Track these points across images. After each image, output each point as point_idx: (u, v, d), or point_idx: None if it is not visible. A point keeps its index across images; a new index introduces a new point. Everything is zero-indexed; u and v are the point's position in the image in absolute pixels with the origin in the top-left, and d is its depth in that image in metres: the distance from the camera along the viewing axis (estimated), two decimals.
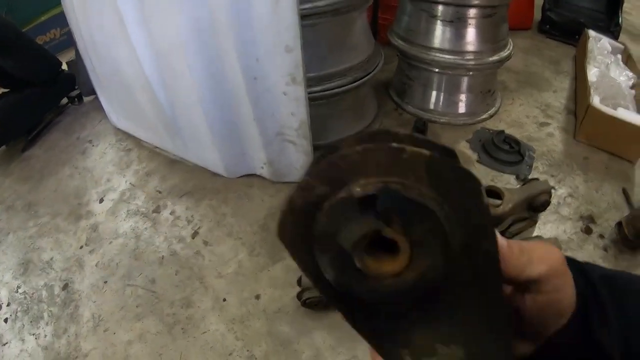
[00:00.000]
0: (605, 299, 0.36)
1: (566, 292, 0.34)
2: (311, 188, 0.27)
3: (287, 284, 1.27)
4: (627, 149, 1.82)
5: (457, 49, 1.76)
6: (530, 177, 1.69)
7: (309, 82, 1.46)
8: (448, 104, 1.95)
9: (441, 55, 1.78)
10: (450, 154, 0.31)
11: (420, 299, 0.29)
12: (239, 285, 1.30)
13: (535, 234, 1.52)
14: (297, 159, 1.51)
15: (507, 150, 1.73)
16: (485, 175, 1.72)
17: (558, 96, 2.17)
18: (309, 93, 1.45)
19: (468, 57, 1.76)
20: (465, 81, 1.88)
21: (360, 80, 1.56)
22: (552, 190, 1.58)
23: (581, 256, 1.41)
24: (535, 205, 1.46)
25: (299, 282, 1.18)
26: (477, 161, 1.76)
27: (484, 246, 0.29)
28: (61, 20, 2.19)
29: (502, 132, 1.81)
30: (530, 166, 1.73)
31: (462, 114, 1.96)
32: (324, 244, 0.27)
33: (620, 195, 1.67)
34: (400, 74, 2.03)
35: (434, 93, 1.93)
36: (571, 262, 0.36)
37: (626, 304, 0.36)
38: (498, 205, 1.38)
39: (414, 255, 0.27)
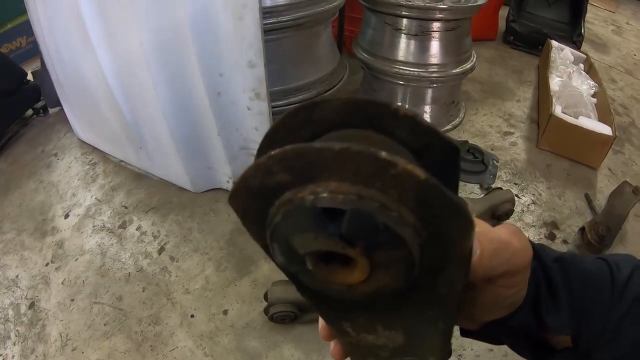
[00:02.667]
0: (558, 282, 0.37)
1: (523, 285, 0.35)
2: (271, 173, 0.23)
3: (254, 299, 1.27)
4: (589, 155, 1.87)
5: (421, 62, 1.79)
6: (494, 186, 1.72)
7: (273, 96, 1.47)
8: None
9: (405, 68, 1.81)
10: (453, 153, 0.29)
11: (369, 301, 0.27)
12: (206, 301, 1.29)
13: None
14: None
15: (470, 160, 1.76)
16: None
17: (521, 105, 2.22)
18: (274, 107, 1.46)
19: (432, 70, 1.79)
20: (429, 93, 1.91)
21: (325, 94, 1.57)
22: (516, 199, 1.61)
23: None
24: (498, 214, 1.49)
25: (266, 296, 1.18)
26: None
27: (453, 274, 0.26)
28: (27, 28, 2.14)
29: (466, 142, 1.84)
30: (494, 175, 1.76)
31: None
32: (275, 234, 0.24)
33: (582, 201, 1.72)
34: (365, 85, 2.05)
35: (398, 105, 1.93)
36: None
37: (576, 286, 0.37)
38: None
39: (372, 273, 0.24)
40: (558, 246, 1.57)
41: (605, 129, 1.80)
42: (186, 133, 1.45)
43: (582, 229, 1.52)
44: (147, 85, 1.33)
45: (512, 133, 2.01)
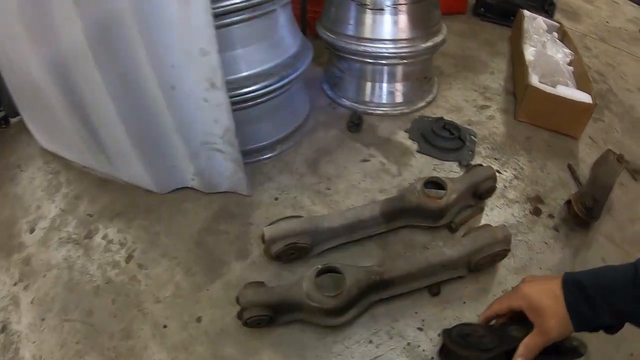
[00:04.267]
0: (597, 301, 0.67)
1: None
2: None
3: (227, 303, 1.18)
4: (569, 125, 1.82)
5: (389, 38, 1.72)
6: (473, 162, 1.65)
7: (232, 85, 1.37)
8: (384, 94, 1.90)
9: (373, 45, 1.72)
10: None
11: None
12: (178, 309, 1.19)
13: (482, 221, 1.48)
14: (226, 168, 1.41)
15: (447, 137, 1.69)
16: (427, 165, 1.66)
17: (496, 78, 2.15)
18: (233, 96, 1.36)
19: (401, 45, 1.71)
20: (399, 70, 1.83)
21: (288, 79, 1.47)
22: (497, 174, 1.53)
23: (532, 239, 1.40)
24: (480, 192, 1.41)
25: (238, 300, 1.09)
26: (418, 151, 1.71)
27: None
28: None
29: (441, 118, 1.76)
30: (473, 151, 1.69)
31: (399, 103, 1.91)
32: None
33: (565, 172, 1.66)
34: (332, 67, 1.95)
35: (368, 84, 1.88)
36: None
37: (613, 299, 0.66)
38: (441, 197, 1.32)
39: None
40: (544, 221, 1.50)
41: (584, 97, 1.74)
42: (143, 132, 1.34)
43: (568, 202, 1.46)
44: (96, 83, 1.21)
45: (489, 106, 1.93)
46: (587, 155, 1.77)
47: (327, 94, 1.99)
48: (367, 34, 1.73)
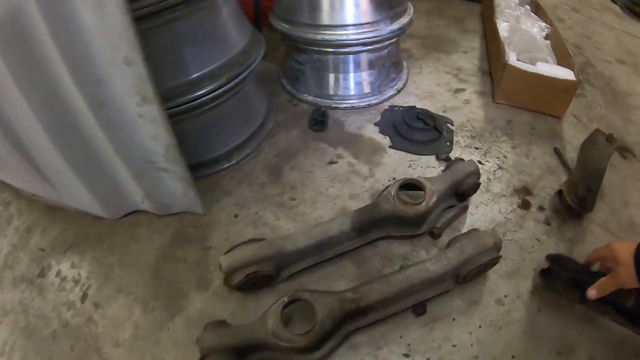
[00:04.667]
0: None
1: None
2: None
3: (190, 342, 1.04)
4: (552, 104, 1.68)
5: (350, 23, 1.53)
6: (451, 154, 1.51)
7: (175, 93, 1.20)
8: (349, 86, 1.72)
9: (332, 32, 1.54)
10: None
11: None
12: (139, 352, 1.06)
13: (467, 220, 1.35)
14: (175, 187, 1.25)
15: (421, 129, 1.54)
16: (401, 162, 1.50)
17: (469, 57, 1.98)
18: (177, 105, 1.20)
19: (363, 30, 1.53)
20: (364, 57, 1.66)
21: (238, 78, 1.28)
22: (480, 166, 1.39)
23: (523, 236, 1.28)
24: (462, 191, 1.25)
25: (198, 344, 0.92)
26: (390, 146, 1.54)
27: None
28: None
29: (413, 107, 1.60)
30: (451, 141, 1.53)
31: (366, 94, 1.74)
32: None
33: (552, 157, 1.52)
34: (290, 59, 1.77)
35: (331, 76, 1.70)
36: None
37: None
38: (419, 203, 1.16)
39: None
40: (534, 214, 1.36)
41: (567, 74, 1.59)
42: (81, 156, 1.16)
43: (559, 192, 1.32)
44: (21, 107, 1.02)
45: (464, 89, 1.77)
46: (573, 135, 1.63)
47: (287, 89, 1.80)
48: (325, 20, 1.55)
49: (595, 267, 1.05)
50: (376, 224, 1.21)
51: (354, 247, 1.18)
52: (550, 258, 1.11)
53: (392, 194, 1.18)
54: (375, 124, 1.60)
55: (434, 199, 1.18)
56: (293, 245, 1.09)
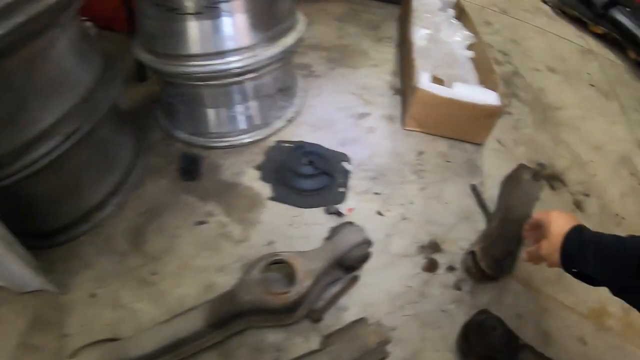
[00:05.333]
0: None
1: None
2: None
3: None
4: (472, 131, 1.43)
5: (220, 50, 1.20)
6: (344, 203, 1.24)
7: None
8: (228, 121, 1.38)
9: (201, 63, 1.21)
10: None
11: None
12: None
13: (357, 294, 1.07)
14: (18, 268, 0.95)
15: (308, 175, 1.24)
16: (283, 218, 1.20)
17: (380, 71, 1.68)
18: (8, 176, 0.89)
19: (234, 59, 1.21)
20: (243, 88, 1.33)
21: (83, 130, 0.92)
22: (379, 218, 1.18)
23: (426, 309, 1.06)
24: (348, 265, 0.94)
25: None
26: (270, 198, 1.22)
27: None
28: None
29: (301, 146, 1.26)
30: (345, 187, 1.22)
31: (247, 129, 1.41)
32: None
33: (469, 197, 1.26)
34: (162, 92, 1.41)
35: (208, 111, 1.36)
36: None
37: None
38: (288, 292, 0.89)
39: None
40: (442, 278, 1.11)
41: (489, 97, 1.34)
42: None
43: (472, 254, 1.02)
44: None
45: (369, 114, 1.46)
46: (495, 166, 1.37)
47: (161, 125, 1.42)
48: (192, 49, 1.20)
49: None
50: (237, 318, 0.93)
51: (215, 341, 0.94)
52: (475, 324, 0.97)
53: (254, 281, 0.90)
54: (257, 168, 1.26)
55: (308, 282, 0.88)
56: (137, 350, 0.86)
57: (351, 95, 1.56)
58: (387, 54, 1.80)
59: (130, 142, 1.30)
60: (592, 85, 1.94)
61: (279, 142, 1.37)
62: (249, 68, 1.23)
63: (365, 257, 1.00)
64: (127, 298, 1.04)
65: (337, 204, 1.19)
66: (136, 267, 1.10)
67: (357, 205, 1.20)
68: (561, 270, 0.84)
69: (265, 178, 1.25)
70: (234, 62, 1.21)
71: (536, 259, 0.87)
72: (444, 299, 1.05)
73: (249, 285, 0.90)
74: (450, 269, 1.09)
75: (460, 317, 1.03)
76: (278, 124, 1.42)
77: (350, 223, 1.04)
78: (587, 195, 1.43)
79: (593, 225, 1.27)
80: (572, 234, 0.79)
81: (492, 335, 0.93)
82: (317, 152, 1.27)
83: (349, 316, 1.00)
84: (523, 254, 0.91)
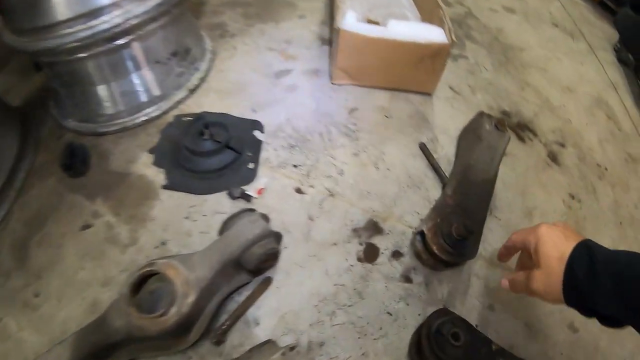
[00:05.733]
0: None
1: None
2: None
3: None
4: (416, 78, 1.14)
5: (90, 9, 0.90)
6: (254, 183, 0.94)
7: None
8: (117, 99, 1.06)
9: (70, 30, 0.89)
10: None
11: None
12: None
13: (272, 301, 0.79)
14: None
15: (208, 151, 0.94)
16: (178, 211, 0.91)
17: (307, 22, 1.37)
18: None
19: (102, 20, 0.90)
20: (129, 55, 1.01)
21: None
22: (299, 197, 0.89)
23: (364, 314, 0.80)
24: (252, 267, 0.72)
25: None
26: (164, 187, 0.92)
27: None
28: None
29: (200, 118, 0.96)
30: (256, 162, 0.92)
31: (139, 105, 1.08)
32: None
33: (418, 160, 0.96)
34: (47, 78, 1.10)
35: (93, 91, 1.04)
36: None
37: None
38: (164, 313, 0.62)
39: None
40: (385, 268, 0.84)
41: (433, 34, 1.07)
42: None
43: (421, 235, 0.78)
44: None
45: (290, 71, 1.14)
46: (449, 119, 1.12)
47: (53, 115, 1.11)
48: (57, 14, 0.89)
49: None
50: (112, 349, 0.66)
51: None
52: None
53: (125, 300, 0.62)
54: (151, 151, 0.93)
55: (192, 297, 0.61)
56: None
57: (271, 52, 1.24)
58: (317, 2, 1.47)
59: (15, 141, 0.98)
60: (556, 25, 1.68)
61: (178, 116, 1.04)
62: (123, 28, 0.93)
63: (269, 256, 0.72)
64: (13, 327, 0.79)
65: (245, 184, 0.87)
66: (20, 288, 0.83)
67: (270, 183, 0.87)
68: None
69: (159, 162, 0.94)
70: (101, 24, 0.91)
71: (524, 291, 0.64)
72: (389, 296, 0.77)
73: (119, 308, 0.60)
74: (396, 255, 0.80)
75: (412, 319, 0.77)
76: (178, 95, 1.11)
77: (247, 211, 0.74)
78: (562, 145, 1.15)
79: (573, 180, 1.00)
80: (578, 256, 0.56)
81: (452, 345, 0.67)
82: (221, 123, 0.96)
83: (262, 332, 0.74)
84: (502, 280, 0.68)
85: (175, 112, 1.07)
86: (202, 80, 1.16)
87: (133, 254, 0.83)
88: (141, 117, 1.07)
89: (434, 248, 0.73)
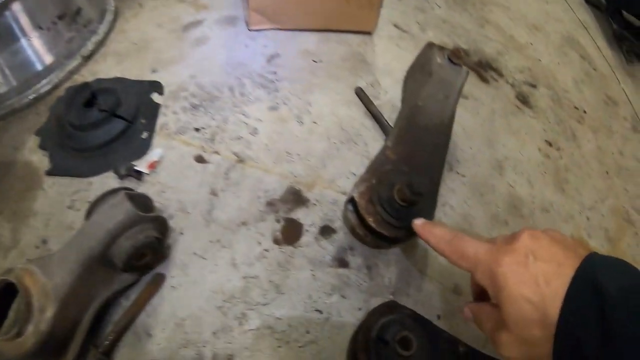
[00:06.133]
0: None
1: None
2: None
3: None
4: (348, 14, 0.93)
5: None
6: (150, 153, 0.73)
7: None
8: (6, 73, 0.82)
9: None
10: None
11: None
12: None
13: (168, 304, 0.58)
14: None
15: (92, 123, 0.74)
16: (61, 200, 0.70)
17: None
18: None
19: None
20: (6, 19, 0.79)
21: None
22: (201, 167, 0.69)
23: (282, 313, 0.59)
24: (122, 264, 0.51)
25: None
26: (48, 173, 0.72)
27: None
28: None
29: (85, 86, 0.75)
30: (151, 130, 0.70)
31: (30, 81, 0.86)
32: None
33: (353, 108, 0.81)
34: None
35: None
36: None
37: None
38: (18, 334, 0.43)
39: None
40: (310, 251, 0.64)
41: None
42: None
43: (353, 203, 0.54)
44: None
45: (200, 21, 0.92)
46: (393, 60, 0.92)
47: None
48: None
49: None
50: None
51: None
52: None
53: None
54: (37, 133, 0.71)
55: (50, 311, 0.44)
56: None
57: (181, 4, 0.99)
58: None
59: None
60: None
61: (69, 88, 0.81)
62: None
63: (146, 249, 0.48)
64: None
65: (138, 157, 0.65)
66: None
67: (166, 153, 0.63)
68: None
69: (44, 145, 0.71)
70: None
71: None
72: (317, 288, 0.55)
73: None
74: (326, 232, 0.58)
75: (351, 316, 0.58)
76: (71, 64, 0.89)
77: (113, 192, 0.51)
78: (533, 85, 0.94)
79: (549, 125, 0.79)
80: (577, 309, 0.32)
81: (401, 357, 0.47)
82: (110, 89, 0.75)
83: (155, 346, 0.55)
84: (465, 309, 0.45)
85: (69, 84, 0.83)
86: (101, 44, 0.94)
87: (15, 257, 0.64)
88: (30, 95, 0.86)
89: (369, 220, 0.51)
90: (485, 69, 0.95)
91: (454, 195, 0.70)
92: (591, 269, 0.33)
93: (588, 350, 0.31)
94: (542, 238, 0.37)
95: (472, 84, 0.88)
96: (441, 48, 0.73)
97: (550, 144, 0.88)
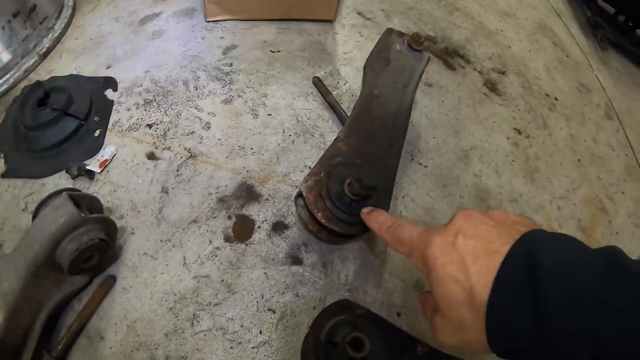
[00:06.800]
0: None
1: None
2: None
3: None
4: (306, 2, 0.90)
5: None
6: (102, 152, 0.71)
7: None
8: None
9: None
10: None
11: None
12: None
13: (117, 308, 0.56)
14: None
15: (43, 123, 0.71)
16: (15, 201, 0.67)
17: None
18: None
19: None
20: None
21: None
22: (152, 165, 0.66)
23: (235, 314, 0.57)
24: (67, 267, 0.48)
25: None
26: (3, 175, 0.70)
27: None
28: None
29: (37, 84, 0.70)
30: (104, 128, 0.64)
31: None
32: None
33: (310, 100, 0.80)
34: None
35: None
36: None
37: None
38: None
39: None
40: (263, 248, 0.62)
41: None
42: None
43: (301, 197, 0.52)
44: None
45: (158, 14, 0.91)
46: (356, 48, 0.90)
47: None
48: None
49: None
50: None
51: None
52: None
53: None
54: None
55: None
56: None
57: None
58: None
59: None
60: None
61: (24, 88, 0.76)
62: None
63: (92, 251, 0.46)
64: None
65: (90, 156, 0.61)
66: None
67: (117, 151, 0.60)
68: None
69: (0, 146, 0.65)
70: None
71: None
72: (270, 287, 0.53)
73: None
74: (279, 228, 0.55)
75: (305, 315, 0.56)
76: (27, 62, 0.85)
77: (56, 194, 0.48)
78: (502, 72, 0.91)
79: (519, 113, 0.78)
80: (508, 289, 0.29)
81: (351, 358, 0.45)
82: (62, 88, 0.71)
83: (108, 349, 0.53)
84: (416, 300, 0.42)
85: (25, 83, 0.79)
86: (58, 40, 0.90)
87: None
88: None
89: (318, 215, 0.48)
90: (452, 56, 0.92)
91: (415, 187, 0.68)
92: (529, 246, 0.30)
93: (521, 332, 0.28)
94: (476, 217, 0.35)
95: (437, 72, 0.86)
96: (401, 34, 0.71)
97: (519, 132, 0.85)
